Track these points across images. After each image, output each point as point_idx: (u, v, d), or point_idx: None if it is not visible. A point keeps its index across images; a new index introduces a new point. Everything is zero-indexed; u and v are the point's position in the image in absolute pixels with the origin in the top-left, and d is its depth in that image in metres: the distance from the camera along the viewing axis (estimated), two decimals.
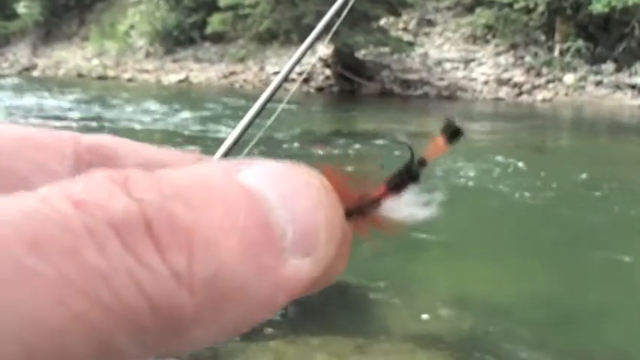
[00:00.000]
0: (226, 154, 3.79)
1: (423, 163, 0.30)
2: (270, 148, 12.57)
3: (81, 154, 0.36)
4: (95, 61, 37.65)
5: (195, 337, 0.23)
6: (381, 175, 0.30)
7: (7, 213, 0.20)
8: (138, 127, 16.41)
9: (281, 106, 4.15)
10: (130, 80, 33.70)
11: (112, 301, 0.20)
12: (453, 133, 0.31)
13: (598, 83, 26.36)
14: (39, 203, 0.21)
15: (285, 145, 13.77)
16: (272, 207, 0.25)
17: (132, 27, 37.90)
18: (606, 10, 25.17)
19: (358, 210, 0.29)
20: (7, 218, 0.20)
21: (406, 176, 0.30)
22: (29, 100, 21.87)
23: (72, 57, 39.69)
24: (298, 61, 4.02)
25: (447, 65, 28.85)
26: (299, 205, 0.25)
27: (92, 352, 0.20)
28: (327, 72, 28.64)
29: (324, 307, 5.65)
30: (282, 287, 0.24)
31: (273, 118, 4.28)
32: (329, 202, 0.26)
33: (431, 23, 31.96)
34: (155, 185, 0.23)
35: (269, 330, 5.12)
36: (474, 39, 30.05)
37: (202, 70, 33.13)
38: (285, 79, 4.00)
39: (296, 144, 14.11)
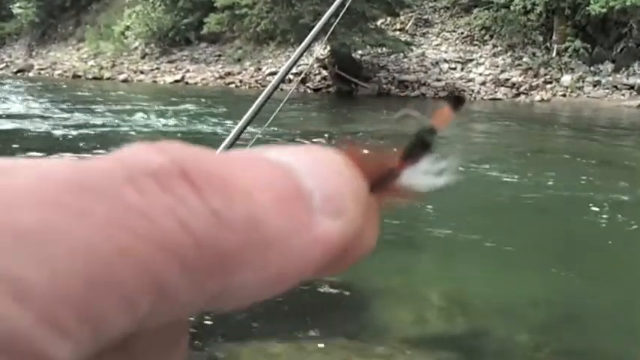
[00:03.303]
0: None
1: (433, 131, 0.31)
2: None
3: None
4: (91, 62, 37.59)
5: (245, 278, 0.24)
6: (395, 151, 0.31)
7: (57, 165, 0.22)
8: (133, 128, 16.32)
9: (279, 107, 4.07)
10: (125, 81, 33.63)
11: (156, 236, 0.22)
12: (456, 102, 0.33)
13: (596, 84, 26.38)
14: (85, 162, 0.23)
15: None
16: (299, 173, 0.26)
17: (128, 28, 37.85)
18: (604, 10, 25.15)
19: (378, 182, 0.30)
20: (58, 169, 0.22)
21: (420, 146, 0.31)
22: (25, 101, 21.78)
23: (68, 58, 39.64)
24: (296, 62, 3.91)
25: (445, 66, 28.83)
26: (324, 173, 0.27)
27: (144, 284, 0.22)
28: (324, 72, 28.59)
29: (323, 310, 5.59)
30: (315, 244, 0.25)
31: (271, 119, 4.21)
32: (351, 171, 0.28)
33: (428, 23, 31.93)
34: (190, 149, 0.25)
35: (268, 333, 5.07)
36: (471, 39, 30.03)
37: (198, 71, 33.08)
38: (282, 79, 3.89)
39: (295, 144, 14.01)
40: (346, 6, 4.34)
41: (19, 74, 37.58)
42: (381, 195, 0.30)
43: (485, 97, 26.55)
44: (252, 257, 0.24)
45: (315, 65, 27.22)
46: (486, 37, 29.63)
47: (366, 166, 0.29)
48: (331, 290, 5.86)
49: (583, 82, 26.52)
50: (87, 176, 0.22)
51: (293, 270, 0.25)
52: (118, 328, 0.22)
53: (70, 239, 0.20)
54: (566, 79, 26.65)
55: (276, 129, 13.78)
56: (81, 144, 13.63)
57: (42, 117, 17.63)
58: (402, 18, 31.55)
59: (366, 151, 0.30)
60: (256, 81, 30.09)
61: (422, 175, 0.31)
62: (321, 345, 5.01)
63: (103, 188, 0.22)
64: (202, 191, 0.23)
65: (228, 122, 15.25)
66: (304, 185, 0.26)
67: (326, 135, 15.51)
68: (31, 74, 37.70)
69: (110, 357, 0.23)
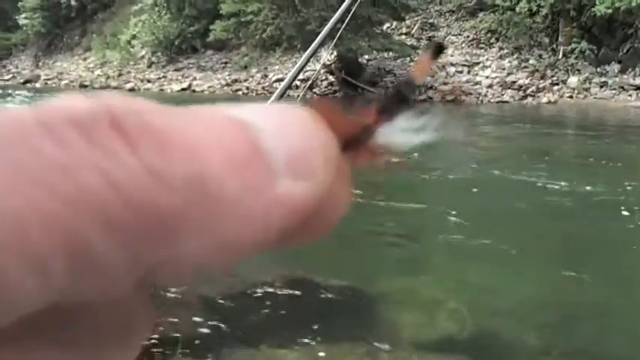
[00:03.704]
0: None
1: (411, 83, 0.29)
2: None
3: None
4: (98, 72, 37.73)
5: (189, 245, 0.22)
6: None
7: None
8: None
9: None
10: (132, 90, 33.68)
11: (72, 191, 0.19)
12: (435, 49, 0.31)
13: (602, 85, 26.33)
14: (3, 112, 0.21)
15: None
16: (261, 131, 0.24)
17: (134, 37, 37.98)
18: (610, 11, 25.12)
19: (353, 141, 0.28)
20: None
21: (397, 100, 0.29)
22: None
23: (74, 68, 39.82)
24: (302, 68, 3.91)
25: (451, 69, 28.81)
26: (291, 131, 0.25)
27: (56, 244, 0.19)
28: (331, 78, 28.61)
29: (327, 313, 5.60)
30: (275, 206, 0.23)
31: None
32: (321, 129, 0.26)
33: (434, 27, 31.95)
34: (131, 99, 0.23)
35: (276, 338, 5.06)
36: (477, 43, 30.03)
37: (205, 79, 33.15)
38: (290, 85, 3.90)
39: None
40: (352, 11, 4.36)
41: (26, 85, 37.74)
42: (354, 154, 0.28)
43: (492, 100, 26.53)
44: (198, 221, 0.22)
45: (322, 71, 27.24)
46: (492, 40, 29.63)
47: (338, 123, 0.27)
48: (339, 293, 5.87)
49: (590, 83, 26.47)
50: None
51: (247, 235, 0.23)
52: (29, 296, 0.19)
53: None
54: (573, 80, 26.61)
55: None
56: None
57: None
58: (407, 22, 31.58)
59: (340, 110, 0.27)
60: (263, 88, 30.13)
61: (399, 132, 0.29)
62: (329, 349, 5.01)
63: (13, 139, 0.19)
64: (137, 145, 0.21)
65: None
66: (264, 144, 0.24)
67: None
68: (37, 85, 37.86)
69: (40, 337, 0.22)
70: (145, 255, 0.21)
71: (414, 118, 0.29)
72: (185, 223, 0.21)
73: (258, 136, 0.24)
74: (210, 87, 32.10)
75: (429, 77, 28.41)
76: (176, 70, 35.10)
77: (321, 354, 4.97)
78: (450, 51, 30.27)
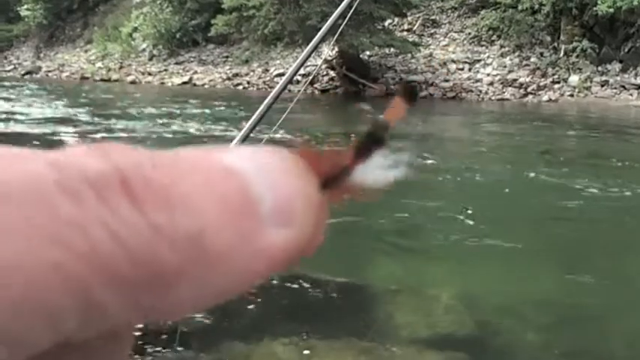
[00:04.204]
0: None
1: (385, 126, 0.31)
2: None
3: None
4: (99, 64, 37.70)
5: (181, 296, 0.23)
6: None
7: None
8: (141, 129, 16.35)
9: (289, 109, 4.07)
10: (133, 83, 33.69)
11: (87, 250, 0.21)
12: (409, 94, 0.32)
13: (604, 84, 26.32)
14: (15, 162, 0.22)
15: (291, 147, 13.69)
16: (250, 178, 0.25)
17: (135, 30, 37.95)
18: (611, 10, 25.09)
19: (331, 180, 0.29)
20: None
21: (372, 141, 0.31)
22: (33, 103, 21.84)
23: (75, 60, 39.78)
24: (304, 63, 3.91)
25: (452, 66, 28.80)
26: (275, 177, 0.26)
27: (73, 302, 0.21)
28: (332, 73, 28.60)
29: (328, 310, 5.60)
30: (263, 255, 0.25)
31: (281, 120, 4.22)
32: (303, 174, 0.27)
33: (436, 24, 31.91)
34: (133, 152, 0.24)
35: (275, 334, 5.06)
36: (479, 40, 30.00)
37: (206, 73, 33.14)
38: (290, 80, 3.89)
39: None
40: (353, 7, 4.35)
41: (26, 76, 37.74)
42: (333, 192, 0.30)
43: (493, 98, 26.52)
44: (192, 275, 0.23)
45: (323, 66, 27.22)
46: (494, 38, 29.59)
47: (318, 164, 0.29)
48: (339, 291, 5.87)
49: (591, 82, 26.46)
50: (15, 183, 0.21)
51: (233, 287, 0.25)
52: (41, 343, 0.21)
53: None
54: (574, 79, 26.59)
55: (284, 130, 13.78)
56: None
57: (49, 119, 17.68)
58: (409, 19, 31.54)
59: (318, 150, 0.29)
60: (264, 82, 30.13)
61: (374, 171, 0.30)
62: (329, 345, 5.01)
63: (28, 197, 0.21)
64: (142, 203, 0.22)
65: (236, 123, 15.26)
66: (253, 193, 0.25)
67: (334, 136, 15.52)
68: (38, 76, 37.86)
69: None
70: (141, 303, 0.22)
71: (387, 157, 0.30)
72: (182, 277, 0.23)
73: (248, 184, 0.25)
74: (211, 81, 32.10)
75: (430, 75, 28.41)
76: (177, 63, 35.08)
77: (318, 350, 4.98)
78: (451, 48, 30.26)
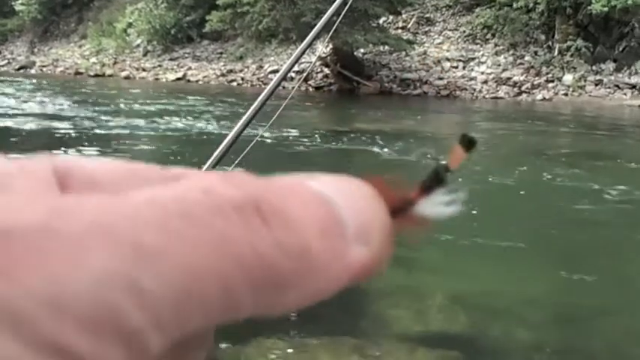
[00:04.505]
0: (229, 148, 3.69)
1: (447, 169, 0.36)
2: (271, 146, 12.50)
3: None
4: (93, 59, 37.65)
5: (290, 297, 0.28)
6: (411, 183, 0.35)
7: (160, 193, 0.27)
8: (135, 125, 16.31)
9: (282, 106, 4.07)
10: (127, 78, 33.66)
11: (236, 258, 0.26)
12: (467, 144, 0.37)
13: (598, 83, 26.37)
14: (178, 191, 0.27)
15: (285, 143, 13.71)
16: (337, 205, 0.30)
17: (130, 25, 37.89)
18: (606, 9, 25.12)
19: (399, 210, 0.34)
20: (161, 196, 0.27)
21: (435, 180, 0.35)
22: (27, 98, 21.78)
23: (70, 55, 39.70)
24: (298, 60, 3.91)
25: (447, 64, 28.82)
26: (357, 205, 0.31)
27: (222, 296, 0.26)
28: (326, 71, 28.59)
29: (324, 308, 5.58)
30: (348, 269, 0.30)
31: (275, 117, 4.21)
32: (378, 202, 0.32)
33: (430, 22, 31.91)
34: (257, 182, 0.29)
35: (270, 332, 5.07)
36: (473, 38, 30.02)
37: (200, 69, 33.13)
38: (284, 77, 3.88)
39: (297, 141, 14.05)
40: (348, 4, 4.34)
41: (20, 71, 37.69)
42: (398, 221, 0.34)
43: (487, 96, 26.54)
44: (297, 280, 0.28)
45: (317, 63, 27.19)
46: (488, 36, 29.61)
47: (388, 195, 0.33)
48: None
49: (585, 81, 26.50)
50: (186, 206, 0.26)
51: (325, 291, 0.29)
52: (194, 329, 0.26)
53: (176, 257, 0.25)
54: (568, 78, 26.63)
55: (278, 127, 13.78)
56: (82, 141, 13.64)
57: (44, 114, 17.65)
58: (404, 16, 31.55)
59: (389, 183, 0.34)
60: (258, 79, 30.12)
61: (434, 206, 0.35)
62: (322, 342, 5.02)
63: (199, 217, 0.26)
64: (270, 223, 0.27)
65: (230, 120, 15.23)
66: (341, 217, 0.30)
67: (328, 133, 15.52)
68: (32, 71, 37.82)
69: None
70: (261, 301, 0.27)
71: (446, 195, 0.35)
72: (292, 282, 0.28)
73: (337, 209, 0.30)
74: (205, 77, 32.09)
75: (424, 72, 28.41)
76: (171, 59, 35.05)
77: (311, 348, 4.98)
78: (445, 46, 30.28)
